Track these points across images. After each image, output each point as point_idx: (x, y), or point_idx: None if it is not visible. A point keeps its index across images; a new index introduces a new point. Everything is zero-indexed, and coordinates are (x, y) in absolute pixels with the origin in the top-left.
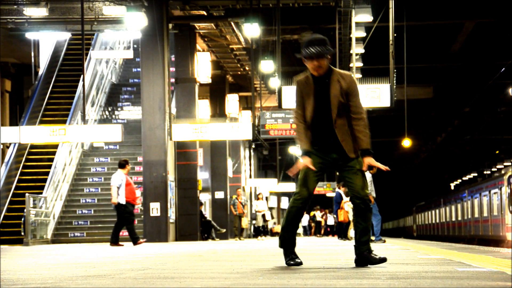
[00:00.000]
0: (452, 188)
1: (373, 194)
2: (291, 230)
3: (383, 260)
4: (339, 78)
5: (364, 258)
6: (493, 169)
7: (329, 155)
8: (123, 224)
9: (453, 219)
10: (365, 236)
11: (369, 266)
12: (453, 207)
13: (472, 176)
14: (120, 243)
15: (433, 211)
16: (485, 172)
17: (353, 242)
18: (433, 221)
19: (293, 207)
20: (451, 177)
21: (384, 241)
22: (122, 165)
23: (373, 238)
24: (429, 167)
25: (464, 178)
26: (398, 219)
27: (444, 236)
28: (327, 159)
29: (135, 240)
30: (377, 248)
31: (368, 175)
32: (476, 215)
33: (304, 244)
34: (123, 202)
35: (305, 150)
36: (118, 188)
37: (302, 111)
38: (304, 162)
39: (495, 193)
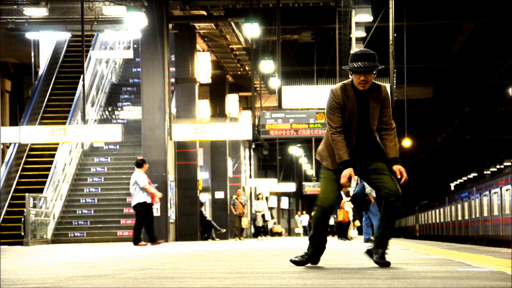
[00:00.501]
0: (452, 188)
1: (373, 194)
2: (318, 239)
3: (386, 264)
4: (376, 89)
5: (380, 254)
6: (493, 169)
7: (356, 164)
8: (151, 222)
9: (459, 218)
10: (388, 232)
11: (370, 266)
12: (459, 206)
13: (472, 176)
14: (142, 242)
15: (437, 210)
16: (485, 172)
17: (352, 242)
18: (438, 221)
19: (316, 218)
20: (454, 175)
21: None
22: (139, 164)
23: (372, 238)
24: (431, 165)
25: (465, 178)
26: (399, 218)
27: (449, 236)
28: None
29: (136, 240)
30: None
31: None
32: (486, 213)
33: (304, 244)
34: (142, 200)
35: (347, 161)
36: (143, 187)
37: (341, 125)
38: (348, 172)
39: (507, 190)
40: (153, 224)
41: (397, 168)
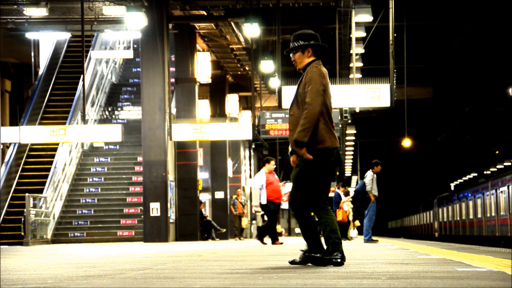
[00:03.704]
0: (452, 189)
1: (374, 193)
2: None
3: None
4: (307, 71)
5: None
6: (493, 169)
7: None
8: (271, 223)
9: None
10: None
11: (371, 266)
12: None
13: (472, 176)
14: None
15: (471, 202)
16: (485, 172)
17: (352, 242)
18: (471, 217)
19: None
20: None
21: (377, 241)
22: (263, 163)
23: (374, 238)
24: (451, 150)
25: (465, 178)
26: (410, 215)
27: (494, 238)
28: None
29: (274, 239)
30: (373, 248)
31: (370, 173)
32: None
33: (303, 244)
34: (264, 202)
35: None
36: (260, 189)
37: None
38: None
39: None
40: (274, 225)
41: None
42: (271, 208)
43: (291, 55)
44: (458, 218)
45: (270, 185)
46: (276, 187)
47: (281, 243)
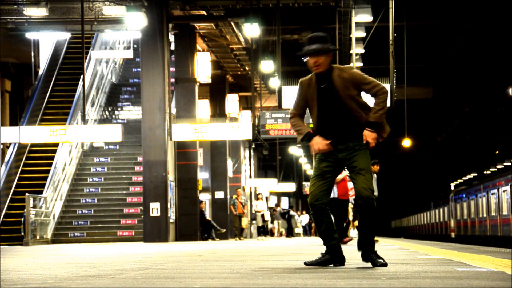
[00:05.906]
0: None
1: (375, 193)
2: (323, 239)
3: (384, 264)
4: (340, 73)
5: (368, 257)
6: (493, 169)
7: (335, 152)
8: (337, 219)
9: None
10: (364, 234)
11: (370, 266)
12: None
13: (472, 176)
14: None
15: (504, 195)
16: (485, 172)
17: (353, 242)
18: (505, 213)
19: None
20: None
21: (377, 241)
22: None
23: (376, 238)
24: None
25: (465, 178)
26: (417, 213)
27: None
28: (333, 158)
29: (340, 237)
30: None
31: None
32: None
33: (304, 244)
34: (331, 196)
35: (309, 133)
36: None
37: (298, 111)
38: (318, 140)
39: None
40: (338, 222)
41: (364, 133)
42: (333, 205)
43: (310, 58)
44: (484, 215)
45: (342, 182)
46: (343, 184)
47: (350, 239)
